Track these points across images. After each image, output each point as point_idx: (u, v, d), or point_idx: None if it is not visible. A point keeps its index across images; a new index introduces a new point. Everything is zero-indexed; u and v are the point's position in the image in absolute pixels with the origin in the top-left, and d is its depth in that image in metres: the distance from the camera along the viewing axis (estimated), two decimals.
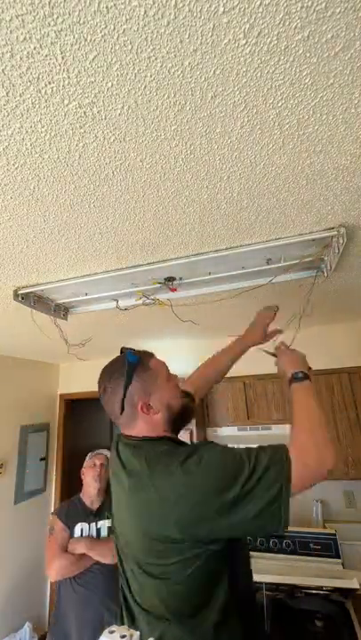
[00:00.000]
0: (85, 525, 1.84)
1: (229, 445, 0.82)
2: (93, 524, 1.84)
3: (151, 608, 0.79)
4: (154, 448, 0.82)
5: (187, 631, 0.74)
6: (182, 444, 0.89)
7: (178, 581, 0.75)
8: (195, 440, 2.33)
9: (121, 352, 0.94)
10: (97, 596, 1.68)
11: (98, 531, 1.83)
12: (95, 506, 1.91)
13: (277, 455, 0.74)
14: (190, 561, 0.74)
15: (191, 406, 0.99)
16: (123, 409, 0.85)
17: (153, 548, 0.76)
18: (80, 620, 1.64)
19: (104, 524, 1.85)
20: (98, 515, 1.88)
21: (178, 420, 0.92)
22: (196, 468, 0.73)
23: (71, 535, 1.80)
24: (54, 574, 1.66)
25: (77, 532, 1.82)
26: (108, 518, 1.87)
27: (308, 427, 0.80)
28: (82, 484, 2.01)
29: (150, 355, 0.95)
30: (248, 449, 0.76)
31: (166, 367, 0.95)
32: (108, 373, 0.90)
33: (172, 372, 0.96)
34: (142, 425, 0.87)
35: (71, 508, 1.90)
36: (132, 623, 0.83)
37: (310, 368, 1.06)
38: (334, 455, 0.76)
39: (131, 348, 0.94)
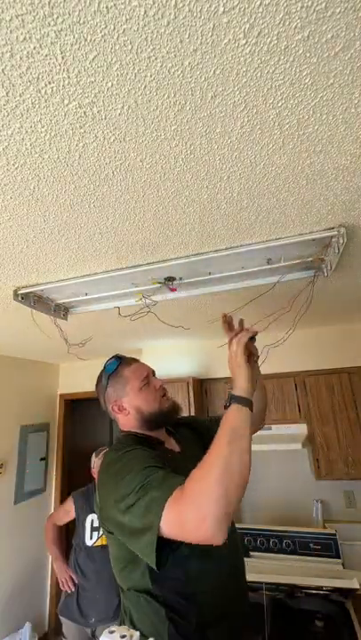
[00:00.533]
0: (96, 517, 1.92)
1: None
2: None
3: None
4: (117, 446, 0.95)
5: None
6: (147, 438, 0.99)
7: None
8: None
9: (105, 363, 1.09)
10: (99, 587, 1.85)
11: None
12: None
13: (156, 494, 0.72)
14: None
15: (173, 410, 1.06)
16: (106, 408, 1.06)
17: None
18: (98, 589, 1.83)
19: None
20: None
21: (152, 422, 1.01)
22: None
23: (82, 524, 1.94)
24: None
25: (88, 523, 1.94)
26: None
27: (223, 466, 0.71)
28: (84, 484, 2.10)
29: (130, 362, 1.08)
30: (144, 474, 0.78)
31: (143, 375, 1.04)
32: (97, 379, 1.09)
33: (157, 377, 1.10)
34: (122, 421, 1.04)
35: (86, 495, 2.01)
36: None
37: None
38: (225, 524, 0.66)
39: (120, 356, 1.09)
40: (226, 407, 0.85)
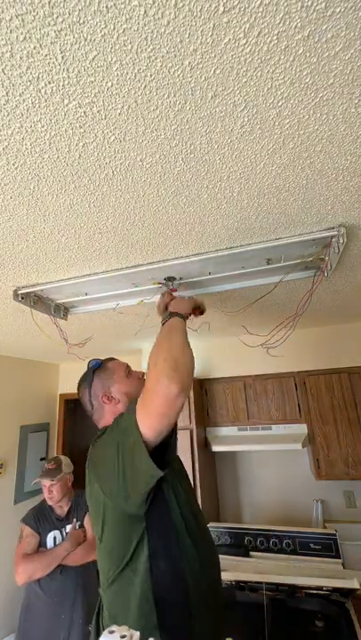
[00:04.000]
0: (58, 533, 1.85)
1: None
2: (64, 530, 1.87)
3: None
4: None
5: None
6: None
7: None
8: (194, 440, 2.32)
9: (88, 363, 1.16)
10: (63, 607, 1.72)
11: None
12: (64, 510, 1.92)
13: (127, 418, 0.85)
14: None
15: None
16: (92, 405, 1.07)
17: None
18: (46, 630, 1.70)
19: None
20: (66, 520, 1.90)
21: None
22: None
23: (43, 544, 1.79)
24: (21, 577, 1.66)
25: (50, 541, 1.82)
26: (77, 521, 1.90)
27: (160, 355, 0.87)
28: (84, 484, 2.02)
29: (111, 359, 1.17)
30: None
31: (126, 366, 1.15)
32: (80, 381, 1.14)
33: (138, 369, 1.18)
34: (109, 415, 1.04)
35: (41, 515, 1.89)
36: None
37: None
38: (177, 378, 0.78)
39: (96, 359, 1.15)
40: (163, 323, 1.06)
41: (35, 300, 1.41)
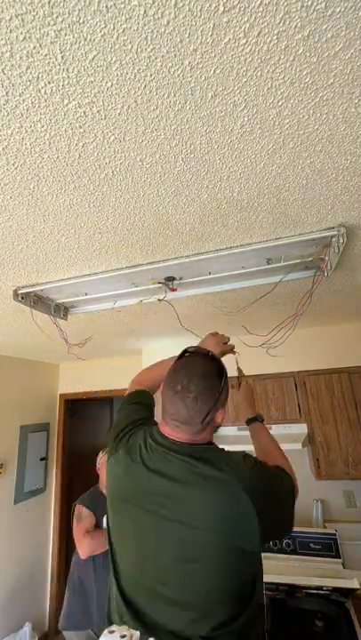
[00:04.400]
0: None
1: (227, 448, 0.87)
2: None
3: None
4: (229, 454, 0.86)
5: None
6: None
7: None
8: None
9: (184, 353, 0.93)
10: None
11: None
12: None
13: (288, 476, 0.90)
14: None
15: None
16: (204, 419, 0.82)
17: None
18: (100, 596, 1.76)
19: None
20: None
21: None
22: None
23: (99, 524, 1.87)
24: (85, 551, 1.78)
25: (105, 522, 1.88)
26: None
27: (282, 454, 1.02)
28: (84, 484, 2.09)
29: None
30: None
31: None
32: (203, 379, 0.85)
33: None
34: (206, 435, 0.86)
35: (95, 498, 1.96)
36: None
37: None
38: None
39: (206, 350, 0.93)
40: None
41: (35, 299, 1.41)
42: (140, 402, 1.06)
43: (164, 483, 0.80)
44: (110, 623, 0.80)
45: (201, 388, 0.83)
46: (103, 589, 1.74)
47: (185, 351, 0.95)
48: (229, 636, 0.72)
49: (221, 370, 0.89)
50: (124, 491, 0.86)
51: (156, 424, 0.95)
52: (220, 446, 0.88)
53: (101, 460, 2.03)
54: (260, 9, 0.46)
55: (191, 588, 0.75)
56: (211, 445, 0.88)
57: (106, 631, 0.72)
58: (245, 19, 0.47)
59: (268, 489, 0.81)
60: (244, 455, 0.84)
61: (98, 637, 1.75)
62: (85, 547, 1.76)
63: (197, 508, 0.76)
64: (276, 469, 0.90)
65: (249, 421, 1.18)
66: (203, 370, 0.87)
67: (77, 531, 1.84)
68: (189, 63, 0.53)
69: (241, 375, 1.32)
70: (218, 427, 0.89)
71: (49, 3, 0.44)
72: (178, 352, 0.96)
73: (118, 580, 0.83)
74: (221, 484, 0.77)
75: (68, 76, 0.54)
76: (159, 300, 1.41)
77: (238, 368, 1.31)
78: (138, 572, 0.81)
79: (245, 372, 1.38)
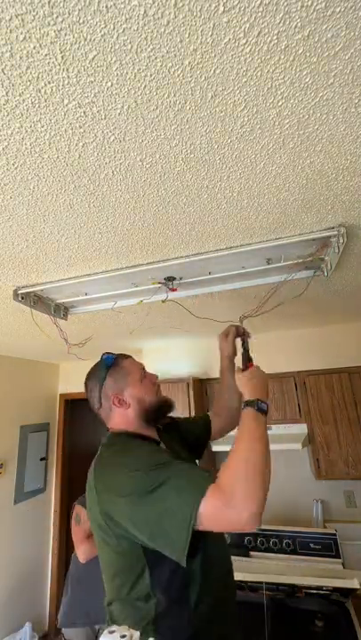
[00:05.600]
0: None
1: (222, 447, 0.86)
2: None
3: None
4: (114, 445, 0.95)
5: None
6: (145, 438, 0.97)
7: None
8: None
9: (102, 357, 1.07)
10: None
11: None
12: None
13: (196, 482, 0.75)
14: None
15: (169, 403, 1.07)
16: (100, 404, 1.00)
17: None
18: (99, 594, 1.74)
19: None
20: None
21: (152, 414, 1.01)
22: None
23: None
24: (83, 556, 1.77)
25: None
26: None
27: (248, 462, 0.75)
28: (84, 484, 2.03)
29: (126, 357, 1.08)
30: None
31: (141, 367, 1.08)
32: (89, 374, 1.06)
33: (153, 372, 1.10)
34: (118, 418, 0.99)
35: None
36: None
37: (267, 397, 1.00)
38: (259, 509, 0.69)
39: (110, 353, 1.07)
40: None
41: (35, 299, 1.41)
42: None
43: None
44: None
45: (88, 380, 1.05)
46: (102, 587, 1.78)
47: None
48: None
49: (106, 360, 1.04)
50: None
51: None
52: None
53: None
54: (260, 9, 0.46)
55: None
56: (112, 434, 0.99)
57: (106, 631, 0.72)
58: (245, 19, 0.47)
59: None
60: (107, 445, 0.95)
61: (97, 635, 1.76)
62: (84, 551, 1.74)
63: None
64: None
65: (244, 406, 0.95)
66: (92, 367, 1.07)
67: (75, 532, 1.82)
68: (189, 63, 0.53)
69: (247, 358, 1.17)
70: (142, 413, 0.99)
71: (49, 3, 0.44)
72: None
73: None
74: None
75: (68, 76, 0.54)
76: (162, 301, 1.41)
77: (244, 351, 1.20)
78: None
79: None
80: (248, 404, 0.92)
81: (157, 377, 1.10)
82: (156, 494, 0.73)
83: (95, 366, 1.06)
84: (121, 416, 0.99)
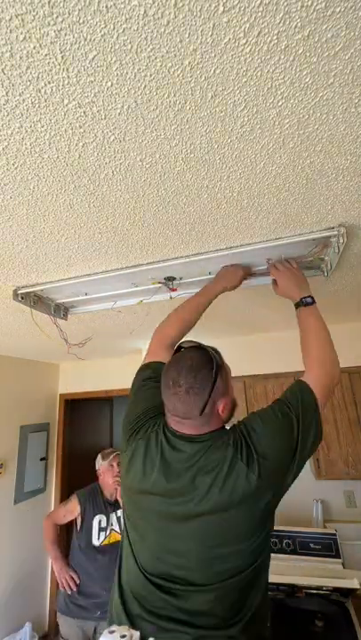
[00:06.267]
0: (103, 517, 1.94)
1: None
2: (113, 515, 1.96)
3: None
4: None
5: None
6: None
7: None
8: None
9: (179, 349, 0.97)
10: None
11: (118, 519, 1.96)
12: (114, 497, 2.00)
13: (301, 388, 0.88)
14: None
15: (236, 404, 0.96)
16: (202, 411, 0.81)
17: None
18: (94, 586, 1.83)
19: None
20: (116, 504, 1.99)
21: (231, 417, 0.91)
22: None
23: (88, 526, 1.92)
24: (49, 518, 2.04)
25: (95, 523, 1.93)
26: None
27: (323, 345, 0.96)
28: (84, 484, 2.10)
29: (218, 351, 0.91)
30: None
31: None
32: (192, 371, 0.82)
33: None
34: (213, 425, 0.84)
35: (91, 495, 2.00)
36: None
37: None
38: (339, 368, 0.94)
39: (198, 343, 0.92)
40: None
41: (35, 299, 1.41)
42: (156, 382, 0.94)
43: (172, 477, 0.81)
44: None
45: (191, 380, 0.81)
46: (98, 580, 1.82)
47: (179, 347, 0.98)
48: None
49: (211, 359, 0.84)
50: (139, 485, 0.85)
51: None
52: None
53: (102, 467, 2.03)
54: (260, 9, 0.46)
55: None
56: (215, 432, 0.84)
57: (106, 631, 0.72)
58: (245, 19, 0.47)
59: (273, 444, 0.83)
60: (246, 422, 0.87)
61: (95, 634, 1.77)
62: (50, 520, 2.00)
63: (214, 495, 0.77)
64: (276, 403, 0.86)
65: (297, 306, 1.06)
66: (191, 362, 0.84)
67: (53, 511, 2.12)
68: (189, 63, 0.53)
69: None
70: (228, 417, 0.89)
71: (49, 3, 0.44)
72: (178, 352, 0.95)
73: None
74: (229, 466, 0.78)
75: (68, 76, 0.54)
76: (171, 297, 1.40)
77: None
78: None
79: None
80: (298, 304, 1.06)
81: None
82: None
83: (198, 362, 0.84)
84: (217, 423, 0.85)
